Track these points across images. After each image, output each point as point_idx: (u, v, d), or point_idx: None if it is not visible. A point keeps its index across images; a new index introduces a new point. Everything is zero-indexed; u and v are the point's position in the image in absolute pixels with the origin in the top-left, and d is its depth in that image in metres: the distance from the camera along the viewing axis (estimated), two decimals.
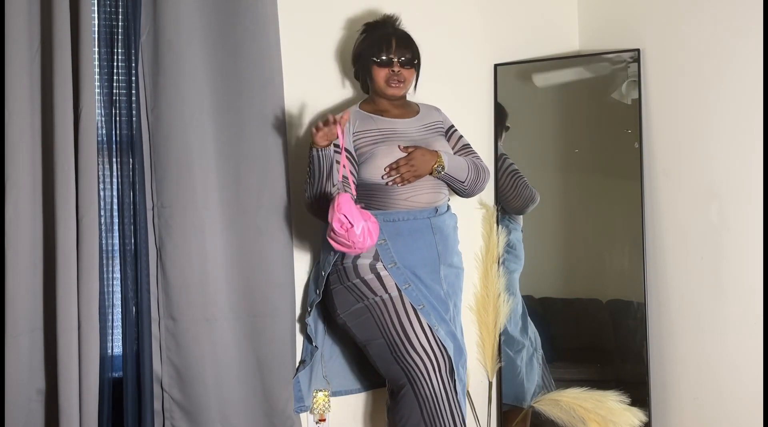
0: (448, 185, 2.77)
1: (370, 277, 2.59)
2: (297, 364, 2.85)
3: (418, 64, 2.76)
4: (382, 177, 2.62)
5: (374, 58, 2.69)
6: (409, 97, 2.86)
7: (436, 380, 2.52)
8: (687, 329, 2.96)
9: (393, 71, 2.69)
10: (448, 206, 2.80)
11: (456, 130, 2.89)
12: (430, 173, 2.65)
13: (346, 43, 2.96)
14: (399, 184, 2.63)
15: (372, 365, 2.69)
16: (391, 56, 2.69)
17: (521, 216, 3.28)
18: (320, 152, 2.53)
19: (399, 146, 2.64)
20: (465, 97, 3.23)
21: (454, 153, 2.81)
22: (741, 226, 2.76)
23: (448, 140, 2.83)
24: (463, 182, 2.75)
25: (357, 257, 2.59)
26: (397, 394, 2.57)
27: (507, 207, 3.24)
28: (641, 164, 3.03)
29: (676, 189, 2.98)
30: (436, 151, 2.67)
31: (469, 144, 2.87)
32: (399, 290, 2.57)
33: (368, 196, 2.65)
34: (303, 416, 2.88)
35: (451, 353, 2.58)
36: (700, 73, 2.89)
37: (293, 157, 2.86)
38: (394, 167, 2.61)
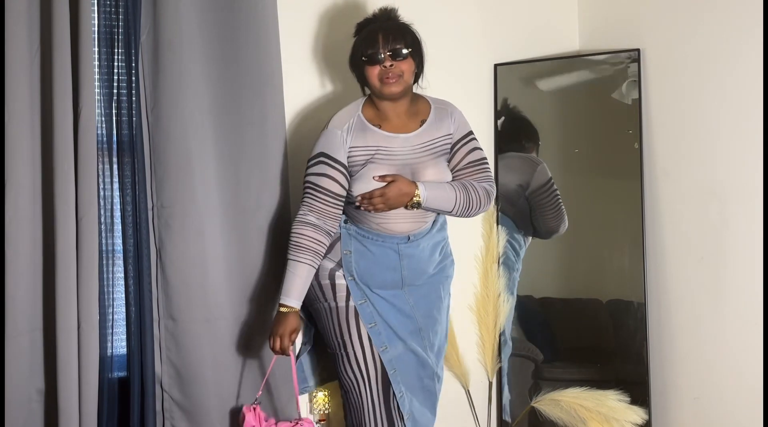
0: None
1: (325, 282, 2.58)
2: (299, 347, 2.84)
3: (416, 53, 2.54)
4: (356, 200, 2.51)
5: (363, 57, 2.51)
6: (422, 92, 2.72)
7: (366, 393, 2.53)
8: (687, 329, 2.96)
9: (385, 67, 2.48)
10: (436, 221, 2.68)
11: (469, 141, 2.64)
12: (406, 208, 2.52)
13: (346, 42, 2.95)
14: (371, 212, 2.52)
15: None
16: (379, 50, 2.48)
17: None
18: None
19: (374, 177, 2.48)
20: (465, 98, 3.21)
21: (458, 170, 2.61)
22: (741, 226, 2.76)
23: (455, 155, 2.61)
24: (450, 212, 2.57)
25: (323, 256, 2.57)
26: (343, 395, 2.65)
27: (540, 226, 3.23)
28: (641, 164, 3.03)
29: (676, 189, 2.98)
30: (414, 186, 2.48)
31: (480, 160, 2.63)
32: (347, 302, 2.55)
33: (350, 209, 2.59)
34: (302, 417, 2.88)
35: (405, 368, 2.58)
36: (700, 73, 2.89)
37: (293, 158, 2.86)
38: (366, 197, 2.49)
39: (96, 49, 2.58)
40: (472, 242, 3.17)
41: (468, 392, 3.10)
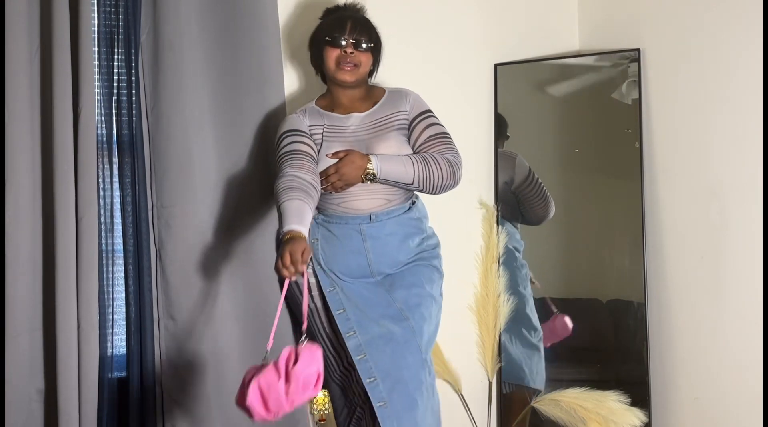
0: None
1: (301, 281, 2.50)
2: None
3: (376, 48, 2.61)
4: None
5: (327, 38, 2.56)
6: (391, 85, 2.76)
7: (339, 368, 2.57)
8: (687, 329, 2.96)
9: (345, 52, 2.54)
10: (410, 208, 2.62)
11: (426, 117, 2.63)
12: (362, 181, 2.51)
13: None
14: (332, 192, 2.52)
15: None
16: (344, 36, 2.54)
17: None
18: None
19: (327, 155, 2.50)
20: (465, 97, 3.23)
21: (418, 146, 2.58)
22: (741, 226, 2.76)
23: (413, 131, 2.61)
24: (411, 184, 2.52)
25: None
26: None
27: (529, 216, 3.23)
28: (641, 164, 3.03)
29: (676, 189, 2.98)
30: (366, 158, 2.48)
31: (439, 134, 2.60)
32: (323, 298, 2.54)
33: None
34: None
35: (383, 352, 2.45)
36: (700, 73, 2.89)
37: None
38: (323, 176, 2.49)
39: (96, 49, 2.58)
40: (472, 242, 3.17)
41: (462, 396, 3.09)
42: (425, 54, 3.10)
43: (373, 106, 2.63)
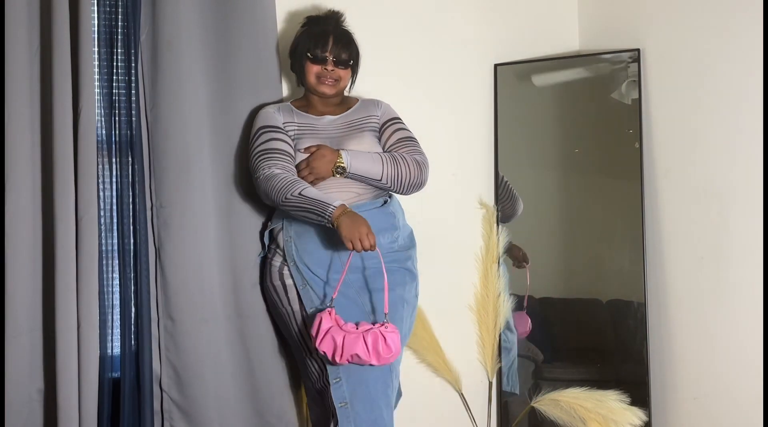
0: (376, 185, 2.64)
1: (277, 284, 2.59)
2: None
3: (355, 64, 2.70)
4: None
5: (308, 54, 2.63)
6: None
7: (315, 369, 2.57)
8: (687, 329, 2.95)
9: (326, 69, 2.62)
10: (384, 203, 2.64)
11: (395, 123, 2.73)
12: (333, 175, 2.57)
13: None
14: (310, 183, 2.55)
15: None
16: (326, 54, 2.62)
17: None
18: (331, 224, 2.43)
19: (300, 149, 2.59)
20: (465, 97, 3.23)
21: (387, 148, 2.68)
22: (741, 226, 2.76)
23: (382, 134, 2.71)
24: (380, 180, 2.60)
25: (274, 255, 2.62)
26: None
27: (499, 218, 3.23)
28: (641, 164, 3.03)
29: (676, 189, 2.98)
30: (337, 152, 2.57)
31: (408, 137, 2.71)
32: (300, 300, 2.55)
33: None
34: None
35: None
36: (700, 73, 2.89)
37: None
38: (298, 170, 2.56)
39: (96, 49, 2.58)
40: (472, 242, 3.17)
41: (462, 394, 3.09)
42: (425, 54, 3.10)
43: (346, 111, 2.74)
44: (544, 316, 3.28)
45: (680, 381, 2.97)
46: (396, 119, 2.75)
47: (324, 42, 2.62)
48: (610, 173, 3.17)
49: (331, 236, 2.52)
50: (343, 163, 2.56)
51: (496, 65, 3.26)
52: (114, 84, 2.63)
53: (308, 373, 2.60)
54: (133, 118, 2.62)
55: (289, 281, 2.58)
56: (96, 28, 2.59)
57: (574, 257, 3.25)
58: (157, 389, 2.66)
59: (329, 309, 2.43)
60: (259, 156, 2.56)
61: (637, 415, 2.84)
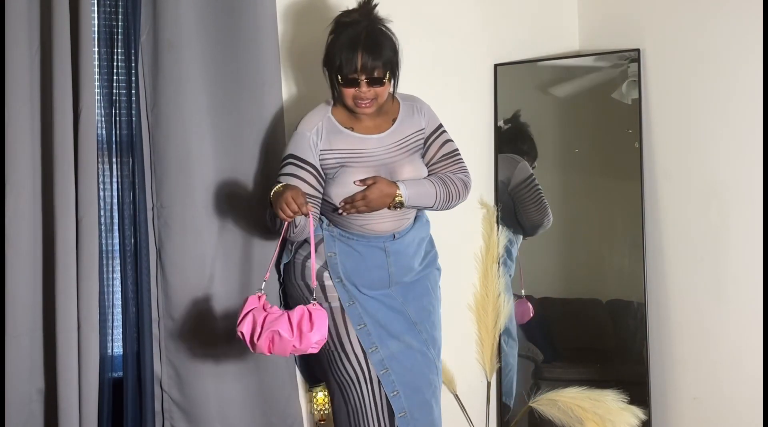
0: None
1: (315, 284, 2.53)
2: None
3: (393, 73, 2.49)
4: (339, 205, 2.48)
5: (340, 78, 2.44)
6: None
7: (367, 392, 2.51)
8: (687, 329, 2.96)
9: (361, 91, 2.44)
10: (417, 217, 2.66)
11: (441, 133, 2.65)
12: (389, 209, 2.51)
13: None
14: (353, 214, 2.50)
15: None
16: (356, 76, 2.42)
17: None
18: (283, 223, 2.36)
19: (355, 182, 2.46)
20: (465, 98, 3.23)
21: (432, 163, 2.62)
22: (741, 226, 2.76)
23: (428, 149, 2.62)
24: (432, 207, 2.58)
25: (308, 257, 2.54)
26: (332, 398, 2.61)
27: (524, 223, 3.23)
28: (641, 164, 3.03)
29: (676, 189, 2.98)
30: (395, 186, 2.47)
31: (453, 151, 2.65)
32: (340, 302, 2.53)
33: (329, 212, 2.56)
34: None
35: (403, 366, 2.54)
36: (700, 73, 2.89)
37: None
38: (348, 201, 2.46)
39: (96, 49, 2.58)
40: (472, 242, 3.17)
41: (456, 395, 3.09)
42: (425, 54, 3.10)
43: (392, 125, 2.59)
44: (544, 316, 3.28)
45: (680, 381, 2.97)
46: (440, 129, 2.65)
47: (353, 60, 2.40)
48: (610, 173, 3.17)
49: (381, 261, 2.56)
50: (401, 198, 2.48)
51: (496, 65, 3.26)
52: (114, 84, 2.62)
53: (336, 368, 2.54)
54: (134, 119, 2.62)
55: (328, 283, 2.54)
56: (96, 28, 2.59)
57: (574, 257, 3.25)
58: (158, 389, 2.67)
59: (259, 294, 2.36)
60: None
61: (634, 414, 2.84)
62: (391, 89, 2.56)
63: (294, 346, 2.28)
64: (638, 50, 3.07)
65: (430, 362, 2.63)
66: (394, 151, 2.56)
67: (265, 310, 2.33)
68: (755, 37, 2.66)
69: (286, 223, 2.36)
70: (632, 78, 3.08)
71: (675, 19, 2.98)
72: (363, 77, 2.43)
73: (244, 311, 2.33)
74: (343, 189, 2.48)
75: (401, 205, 2.49)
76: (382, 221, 2.54)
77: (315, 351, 2.34)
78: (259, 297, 2.36)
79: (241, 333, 2.31)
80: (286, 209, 2.27)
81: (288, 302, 2.69)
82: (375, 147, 2.54)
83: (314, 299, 2.39)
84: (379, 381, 2.51)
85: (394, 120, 2.60)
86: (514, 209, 3.24)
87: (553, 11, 3.37)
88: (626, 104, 3.11)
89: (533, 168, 3.25)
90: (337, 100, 2.55)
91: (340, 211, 2.48)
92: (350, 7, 2.54)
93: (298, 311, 2.31)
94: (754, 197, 2.69)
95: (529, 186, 3.23)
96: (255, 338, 2.28)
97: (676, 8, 2.97)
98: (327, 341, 2.47)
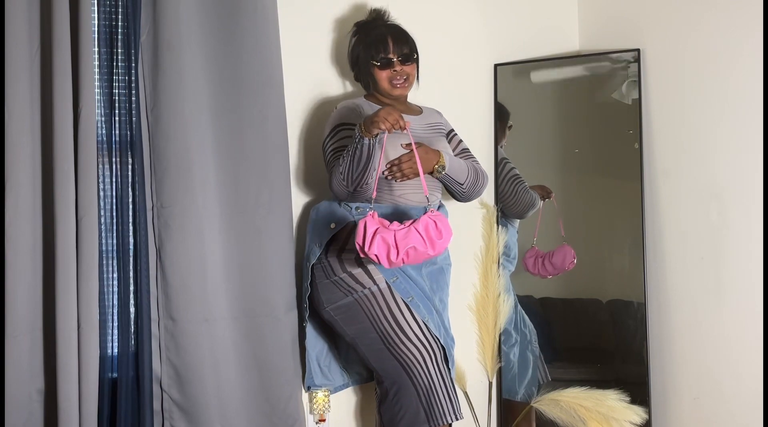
0: (446, 187, 2.76)
1: (357, 270, 2.59)
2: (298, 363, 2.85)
3: (418, 57, 2.74)
4: (383, 172, 2.60)
5: (374, 61, 2.68)
6: (409, 99, 2.85)
7: (433, 368, 2.54)
8: (687, 329, 2.96)
9: (395, 71, 2.68)
10: (441, 205, 2.80)
11: (456, 134, 2.89)
12: (431, 173, 2.64)
13: (346, 42, 2.96)
14: (398, 180, 2.62)
15: (361, 360, 2.73)
16: (390, 56, 2.67)
17: (518, 219, 3.28)
18: (371, 141, 2.46)
19: (402, 144, 2.60)
20: (465, 98, 3.23)
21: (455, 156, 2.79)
22: (741, 226, 2.76)
23: (449, 142, 2.83)
24: (462, 184, 2.73)
25: (342, 251, 2.60)
26: (391, 387, 2.58)
27: (507, 212, 3.24)
28: (641, 165, 3.03)
29: (676, 189, 2.98)
30: (438, 151, 2.65)
31: (468, 149, 2.88)
32: (387, 283, 2.58)
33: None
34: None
35: (443, 342, 2.61)
36: (700, 73, 2.89)
37: (293, 157, 2.86)
38: (395, 163, 2.59)
39: (96, 49, 2.58)
40: (472, 242, 3.17)
41: (465, 393, 3.10)
42: (425, 54, 3.09)
43: (420, 114, 2.81)
44: (544, 316, 3.28)
45: (680, 381, 2.97)
46: (454, 131, 2.90)
47: (385, 44, 2.68)
48: (610, 173, 3.17)
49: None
50: (444, 162, 2.63)
51: (496, 65, 3.27)
52: (114, 84, 2.62)
53: (398, 352, 2.55)
54: (134, 119, 2.62)
55: (371, 266, 2.58)
56: (96, 28, 2.59)
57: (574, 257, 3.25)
58: (158, 389, 2.66)
59: (371, 213, 2.42)
60: (334, 154, 2.63)
61: (637, 413, 2.84)
62: (416, 78, 2.75)
63: (429, 254, 2.40)
64: (638, 50, 3.07)
65: (451, 345, 2.74)
66: (428, 130, 2.78)
67: (386, 227, 2.40)
68: (755, 37, 2.66)
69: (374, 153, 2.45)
70: (632, 78, 3.08)
71: (675, 19, 2.98)
72: (396, 57, 2.67)
73: (369, 233, 2.37)
74: (390, 152, 2.58)
75: (443, 169, 2.63)
76: (419, 191, 2.61)
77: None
78: (372, 216, 2.41)
79: (375, 256, 2.38)
80: (386, 121, 2.40)
81: (313, 309, 2.71)
82: (413, 123, 2.65)
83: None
84: (440, 353, 2.56)
85: (420, 112, 2.82)
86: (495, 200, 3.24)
87: (553, 11, 3.37)
88: (626, 104, 3.11)
89: (509, 127, 3.27)
90: (373, 90, 2.75)
91: (386, 174, 2.59)
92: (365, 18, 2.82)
93: (423, 221, 2.40)
94: (754, 197, 2.69)
95: (506, 180, 3.23)
96: (393, 257, 2.37)
97: (676, 8, 2.98)
98: (382, 325, 2.54)
